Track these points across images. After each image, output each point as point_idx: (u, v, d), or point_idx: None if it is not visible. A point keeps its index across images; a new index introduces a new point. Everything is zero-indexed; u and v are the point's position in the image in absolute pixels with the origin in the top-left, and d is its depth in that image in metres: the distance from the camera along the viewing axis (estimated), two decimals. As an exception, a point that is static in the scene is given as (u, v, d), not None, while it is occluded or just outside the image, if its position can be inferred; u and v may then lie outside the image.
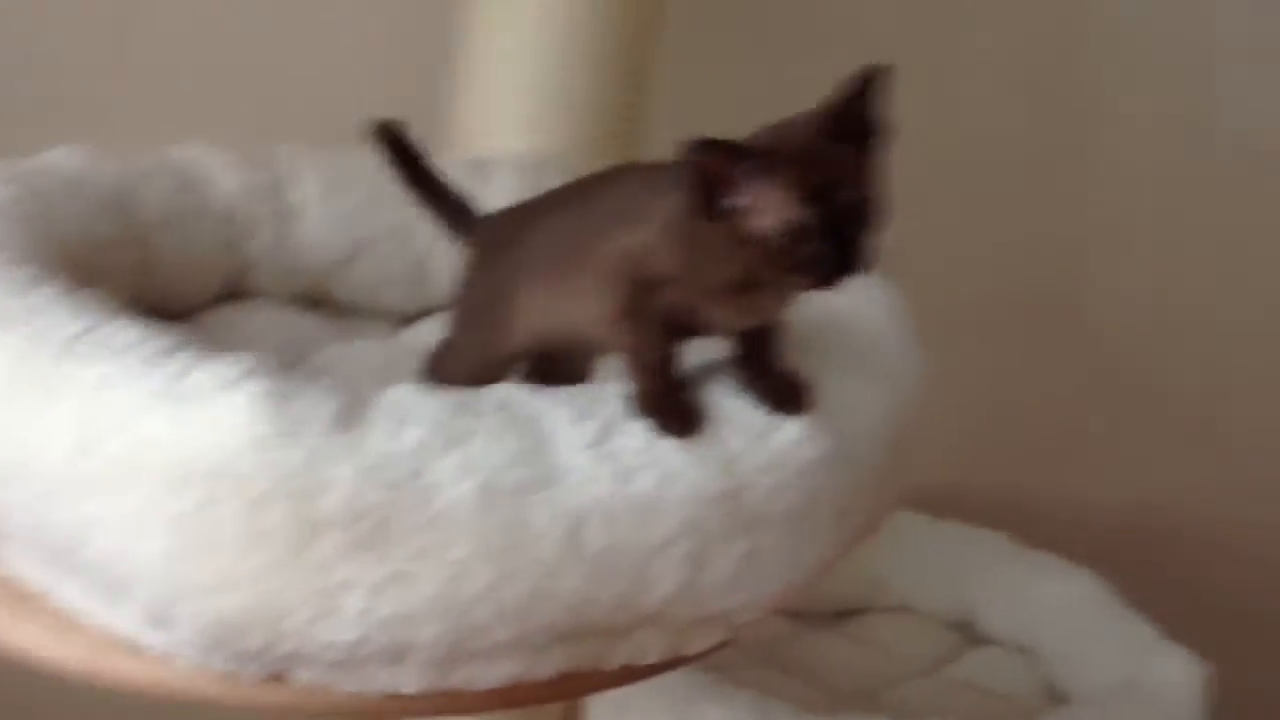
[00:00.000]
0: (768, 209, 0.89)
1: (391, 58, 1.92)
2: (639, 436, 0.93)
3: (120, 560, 0.89)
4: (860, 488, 1.02)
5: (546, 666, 0.95)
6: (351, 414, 0.89)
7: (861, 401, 1.01)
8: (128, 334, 0.94)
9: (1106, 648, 1.88)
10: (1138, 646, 1.85)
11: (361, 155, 1.46)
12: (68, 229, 1.22)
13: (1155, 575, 2.08)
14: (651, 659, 0.98)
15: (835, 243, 0.88)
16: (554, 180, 1.48)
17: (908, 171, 0.94)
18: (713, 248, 0.92)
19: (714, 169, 0.88)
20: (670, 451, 0.92)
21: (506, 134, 1.61)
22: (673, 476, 0.92)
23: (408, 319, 1.50)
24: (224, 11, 1.94)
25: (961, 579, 2.04)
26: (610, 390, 0.96)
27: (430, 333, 1.44)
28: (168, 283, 1.34)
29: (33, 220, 1.17)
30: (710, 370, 0.99)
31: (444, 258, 1.47)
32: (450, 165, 1.49)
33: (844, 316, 1.12)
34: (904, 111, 0.92)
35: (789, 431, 0.96)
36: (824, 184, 0.88)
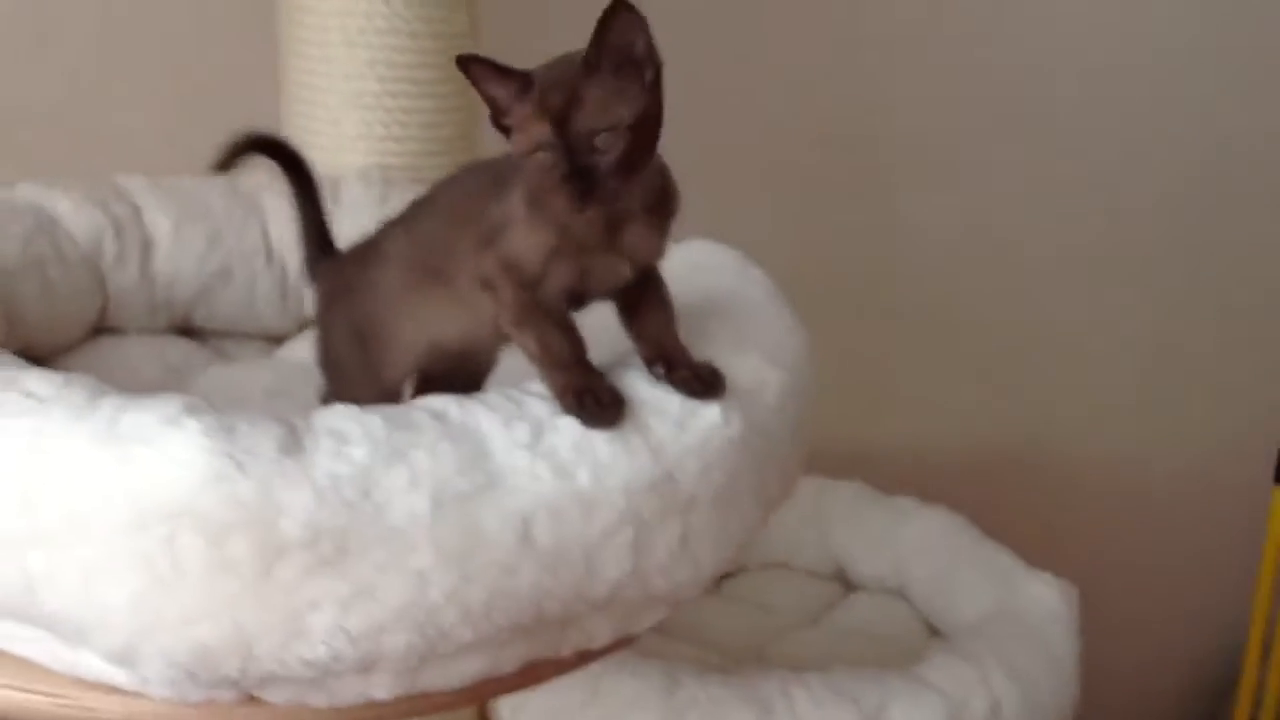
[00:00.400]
0: (522, 129, 0.96)
1: (218, 82, 1.91)
2: (570, 433, 0.96)
3: (79, 608, 0.90)
4: (774, 461, 1.08)
5: (510, 660, 0.99)
6: (294, 439, 0.90)
7: (766, 381, 1.07)
8: (48, 385, 0.93)
9: (975, 579, 1.96)
10: (1004, 575, 1.94)
11: (202, 184, 1.48)
12: (-65, 284, 1.20)
13: (998, 508, 2.21)
14: (602, 642, 1.03)
15: (571, 164, 0.94)
16: (402, 193, 1.52)
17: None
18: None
19: (484, 83, 0.96)
20: (601, 444, 0.96)
21: (330, 149, 1.61)
22: (607, 468, 0.96)
23: (277, 337, 1.50)
24: (48, 39, 1.89)
25: (828, 530, 2.12)
26: (532, 390, 1.00)
27: (304, 350, 1.46)
28: (34, 328, 1.32)
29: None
30: (621, 362, 1.04)
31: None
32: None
33: (729, 299, 1.18)
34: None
35: (709, 415, 1.01)
36: (561, 106, 0.94)
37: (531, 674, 1.01)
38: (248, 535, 0.87)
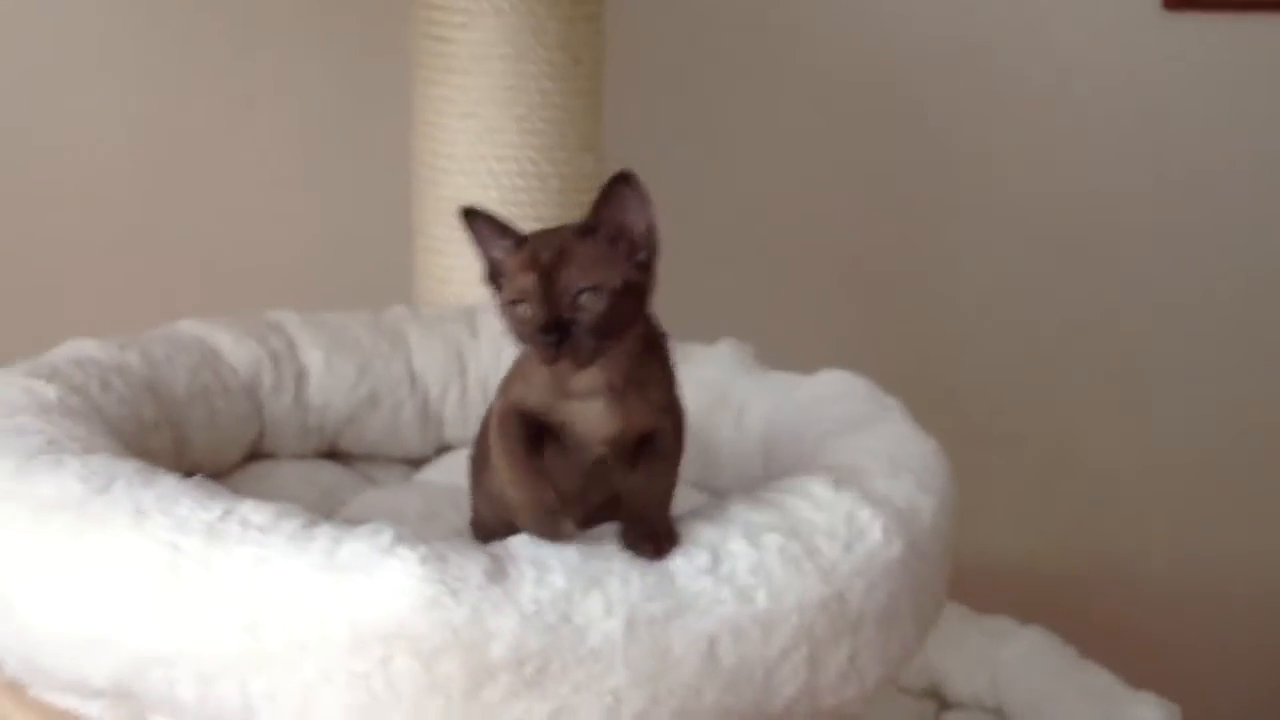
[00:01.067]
0: (510, 278, 1.02)
1: (355, 224, 2.02)
2: (746, 558, 1.02)
3: (295, 727, 0.95)
4: (929, 581, 1.14)
5: (688, 775, 1.03)
6: (498, 568, 0.97)
7: (920, 506, 1.13)
8: (263, 513, 1.00)
9: (1077, 700, 1.97)
10: (1106, 695, 1.97)
11: (349, 317, 1.56)
12: (117, 418, 1.27)
13: (1089, 625, 2.24)
14: (772, 756, 1.08)
15: (549, 317, 0.98)
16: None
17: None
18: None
19: (479, 234, 1.04)
20: (776, 567, 1.02)
21: (463, 284, 1.69)
22: (783, 589, 1.02)
23: (417, 460, 1.57)
24: (192, 192, 2.01)
25: (925, 646, 2.15)
26: (701, 515, 1.06)
27: (445, 471, 1.53)
28: (200, 454, 1.40)
29: (85, 414, 1.23)
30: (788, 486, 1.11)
31: (448, 401, 1.56)
32: (444, 318, 1.60)
33: (872, 426, 1.25)
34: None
35: (872, 536, 1.07)
36: (548, 263, 0.99)
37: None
38: (459, 658, 0.93)
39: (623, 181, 1.00)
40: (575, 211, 1.66)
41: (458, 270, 1.67)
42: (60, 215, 1.99)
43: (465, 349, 1.57)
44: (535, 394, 1.04)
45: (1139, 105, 2.46)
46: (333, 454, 1.55)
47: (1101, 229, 2.48)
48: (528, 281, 1.00)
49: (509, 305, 1.02)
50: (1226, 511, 2.58)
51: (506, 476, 1.04)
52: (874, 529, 1.07)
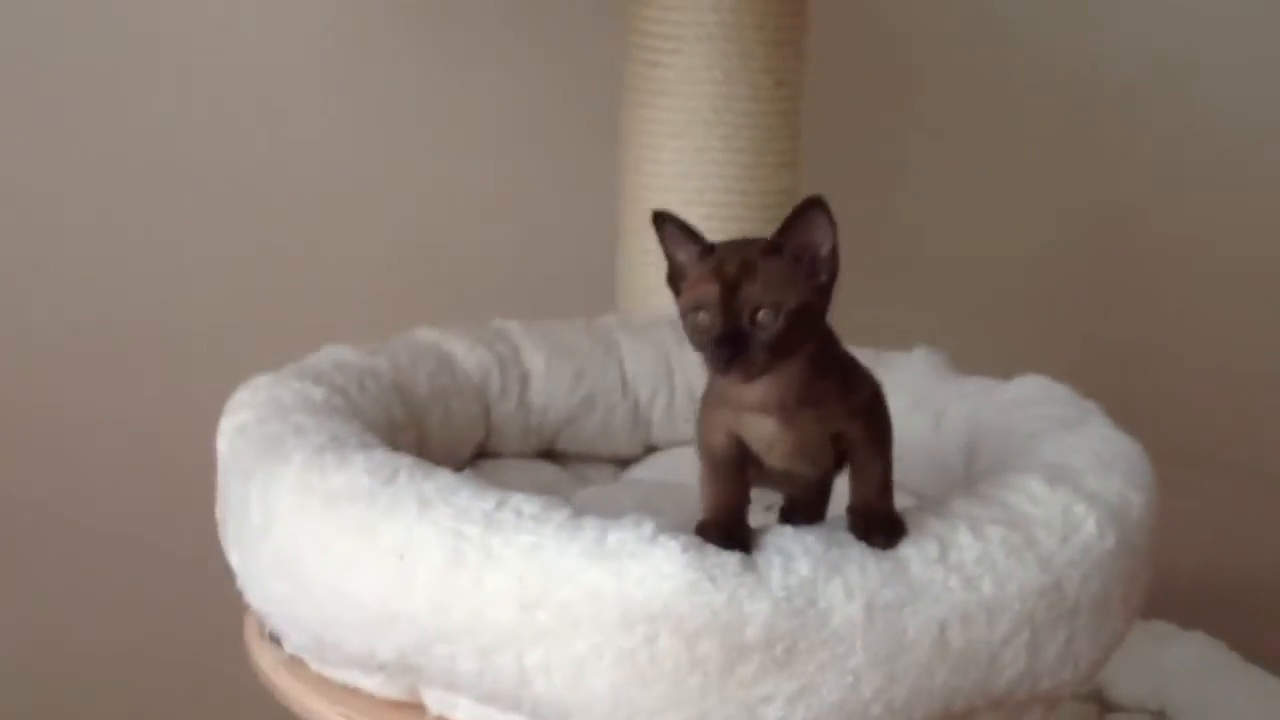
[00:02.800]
0: (691, 285, 1.06)
1: (563, 238, 2.14)
2: (971, 549, 1.11)
3: (567, 695, 1.06)
4: (1138, 573, 1.21)
5: (914, 754, 1.12)
6: (749, 557, 1.07)
7: (1130, 501, 1.20)
8: (533, 505, 1.12)
9: (1244, 704, 2.01)
10: (1275, 699, 2.00)
11: (566, 325, 1.67)
12: (373, 417, 1.40)
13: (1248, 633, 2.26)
14: (986, 738, 1.16)
15: (728, 329, 1.02)
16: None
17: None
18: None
19: (667, 238, 1.07)
20: (1000, 556, 1.11)
21: (667, 294, 1.79)
22: (1005, 578, 1.10)
23: (625, 460, 1.68)
24: (407, 206, 2.16)
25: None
26: (925, 509, 1.15)
27: (653, 470, 1.63)
28: (437, 452, 1.51)
29: (347, 414, 1.35)
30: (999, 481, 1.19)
31: (657, 405, 1.66)
32: (652, 326, 1.70)
33: (1078, 429, 1.32)
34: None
35: (1087, 529, 1.15)
36: (733, 276, 1.02)
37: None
38: (717, 638, 1.03)
39: (814, 206, 1.04)
40: (773, 226, 1.76)
41: (662, 280, 1.77)
42: (284, 229, 2.15)
43: (673, 356, 1.67)
44: (719, 403, 1.11)
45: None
46: (549, 453, 1.66)
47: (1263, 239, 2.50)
48: (710, 291, 1.04)
49: (689, 311, 1.06)
50: None
51: (704, 481, 1.13)
52: (1088, 523, 1.15)
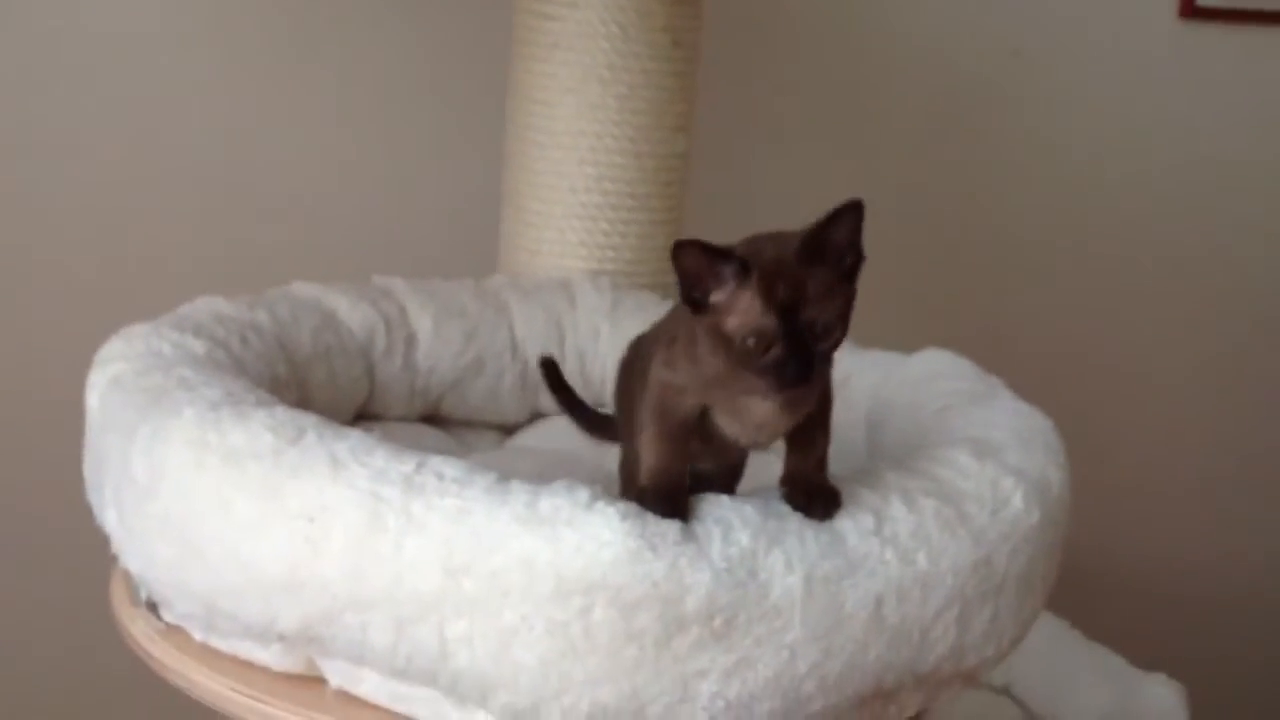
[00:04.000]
0: (737, 311, 1.00)
1: (447, 195, 2.05)
2: (906, 521, 1.08)
3: (491, 669, 1.00)
4: (1055, 549, 1.20)
5: (841, 731, 1.09)
6: (688, 526, 1.02)
7: (1051, 477, 1.19)
8: (456, 468, 1.05)
9: (1090, 680, 2.06)
10: (1118, 676, 2.05)
11: (455, 285, 1.60)
12: (256, 373, 1.31)
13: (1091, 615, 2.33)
14: (909, 714, 1.14)
15: (793, 353, 0.99)
16: (630, 299, 1.65)
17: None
18: (703, 344, 1.03)
19: (695, 268, 1.00)
20: (935, 530, 1.08)
21: (552, 255, 1.74)
22: (940, 551, 1.08)
23: (510, 427, 1.62)
24: (281, 159, 2.05)
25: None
26: (864, 480, 1.12)
27: (540, 438, 1.57)
28: (320, 410, 1.39)
29: (231, 369, 1.26)
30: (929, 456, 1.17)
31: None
32: (542, 288, 1.64)
33: (990, 405, 1.31)
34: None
35: (1014, 504, 1.13)
36: (789, 299, 0.99)
37: (849, 746, 1.12)
38: (656, 609, 0.98)
39: (853, 209, 1.01)
40: (666, 189, 1.72)
41: (547, 242, 1.72)
42: (159, 179, 2.02)
43: (564, 319, 1.61)
44: (704, 384, 1.05)
45: (1154, 109, 2.56)
46: (432, 418, 1.59)
47: (1112, 225, 2.57)
48: (767, 322, 0.99)
49: (743, 338, 1.00)
50: (1231, 506, 2.69)
51: (650, 445, 1.07)
52: (1015, 497, 1.14)
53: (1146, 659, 2.07)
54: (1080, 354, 2.59)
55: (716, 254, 1.00)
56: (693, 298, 1.02)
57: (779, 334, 0.99)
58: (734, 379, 1.02)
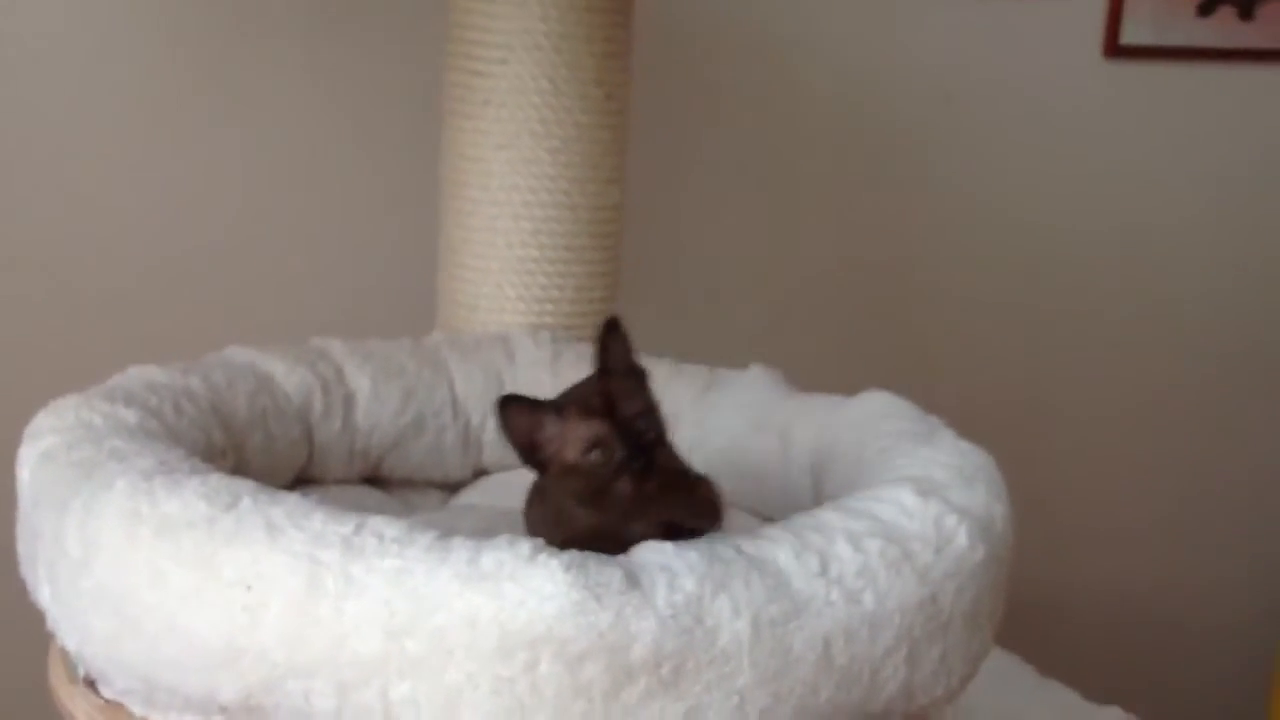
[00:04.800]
0: (571, 439, 1.10)
1: (383, 253, 2.05)
2: (851, 561, 1.08)
3: (437, 732, 0.98)
4: (1000, 585, 1.20)
5: (793, 774, 1.08)
6: (631, 574, 1.01)
7: (994, 513, 1.19)
8: (395, 528, 1.04)
9: (1040, 717, 2.07)
10: (1072, 712, 2.05)
11: (392, 344, 1.59)
12: (191, 440, 1.29)
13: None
14: (860, 755, 1.13)
15: (632, 447, 1.09)
16: (570, 352, 1.64)
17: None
18: (563, 499, 1.13)
19: (521, 423, 1.10)
20: (880, 570, 1.08)
21: (491, 310, 1.74)
22: (886, 591, 1.08)
23: (454, 485, 1.60)
24: (215, 215, 2.03)
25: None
26: (806, 523, 1.11)
27: (483, 494, 1.56)
28: (257, 475, 1.38)
29: (164, 438, 1.25)
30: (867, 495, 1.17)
31: (489, 427, 1.59)
32: (481, 344, 1.63)
33: (931, 443, 1.31)
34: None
35: (959, 542, 1.13)
36: (603, 406, 1.10)
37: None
38: (603, 661, 0.97)
39: (616, 325, 1.15)
40: (602, 242, 1.72)
41: (485, 298, 1.71)
42: (84, 241, 2.00)
43: (504, 374, 1.61)
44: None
45: (1080, 148, 2.60)
46: (373, 479, 1.57)
47: (1044, 266, 2.61)
48: (596, 428, 1.09)
49: (584, 453, 1.09)
50: (1179, 537, 2.71)
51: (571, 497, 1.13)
52: (960, 535, 1.13)
53: (1103, 691, 2.08)
54: (1019, 394, 2.61)
55: (536, 405, 1.11)
56: (532, 455, 1.12)
57: (608, 435, 1.09)
58: (604, 510, 1.10)
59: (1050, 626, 2.54)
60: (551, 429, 1.11)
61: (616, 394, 1.11)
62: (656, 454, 1.10)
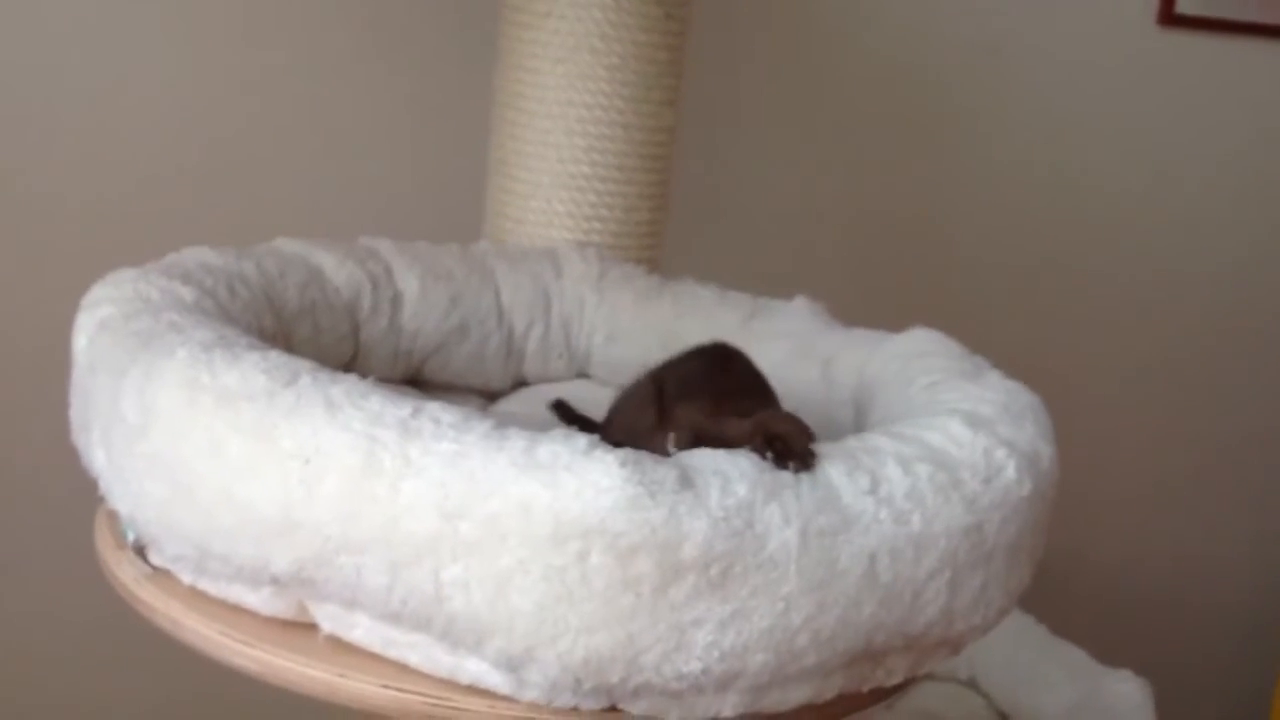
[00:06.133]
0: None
1: (432, 162, 2.05)
2: (900, 482, 1.08)
3: (486, 614, 0.99)
4: (1043, 523, 1.21)
5: (828, 690, 1.09)
6: (686, 476, 1.02)
7: (1041, 451, 1.20)
8: (452, 414, 1.04)
9: (1054, 674, 2.08)
10: (1083, 671, 2.07)
11: (440, 248, 1.60)
12: (244, 324, 1.30)
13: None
14: (895, 680, 1.14)
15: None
16: (617, 270, 1.64)
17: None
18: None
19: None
20: (928, 493, 1.09)
21: (538, 225, 1.74)
22: (933, 515, 1.08)
23: (494, 394, 1.61)
24: (268, 119, 2.03)
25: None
26: (865, 443, 1.12)
27: (523, 404, 1.57)
28: None
29: (219, 317, 1.25)
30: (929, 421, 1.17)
31: (531, 337, 1.60)
32: (529, 256, 1.64)
33: (979, 381, 1.31)
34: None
35: (1007, 474, 1.14)
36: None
37: (838, 705, 1.12)
38: (653, 556, 0.98)
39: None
40: (653, 164, 1.72)
41: (533, 212, 1.71)
42: (139, 135, 2.01)
43: (550, 288, 1.61)
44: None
45: (1126, 113, 2.59)
46: (414, 380, 1.58)
47: (1088, 230, 2.60)
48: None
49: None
50: (1193, 507, 2.72)
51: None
52: (1008, 468, 1.14)
53: (1112, 656, 2.09)
54: (1051, 360, 2.61)
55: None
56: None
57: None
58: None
59: (1055, 597, 2.56)
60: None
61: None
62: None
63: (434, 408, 1.05)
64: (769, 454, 1.06)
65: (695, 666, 1.01)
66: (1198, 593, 2.76)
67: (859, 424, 1.40)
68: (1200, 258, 2.70)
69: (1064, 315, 2.64)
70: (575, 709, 1.03)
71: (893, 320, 1.53)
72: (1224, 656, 2.78)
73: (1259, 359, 2.74)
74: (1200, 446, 2.75)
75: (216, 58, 2.03)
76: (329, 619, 1.08)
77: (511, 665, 1.01)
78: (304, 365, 1.10)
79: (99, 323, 1.21)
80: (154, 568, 1.16)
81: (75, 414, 1.21)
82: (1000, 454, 1.15)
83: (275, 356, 1.11)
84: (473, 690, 1.05)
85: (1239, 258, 2.71)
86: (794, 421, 1.13)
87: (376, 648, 1.07)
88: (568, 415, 1.43)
